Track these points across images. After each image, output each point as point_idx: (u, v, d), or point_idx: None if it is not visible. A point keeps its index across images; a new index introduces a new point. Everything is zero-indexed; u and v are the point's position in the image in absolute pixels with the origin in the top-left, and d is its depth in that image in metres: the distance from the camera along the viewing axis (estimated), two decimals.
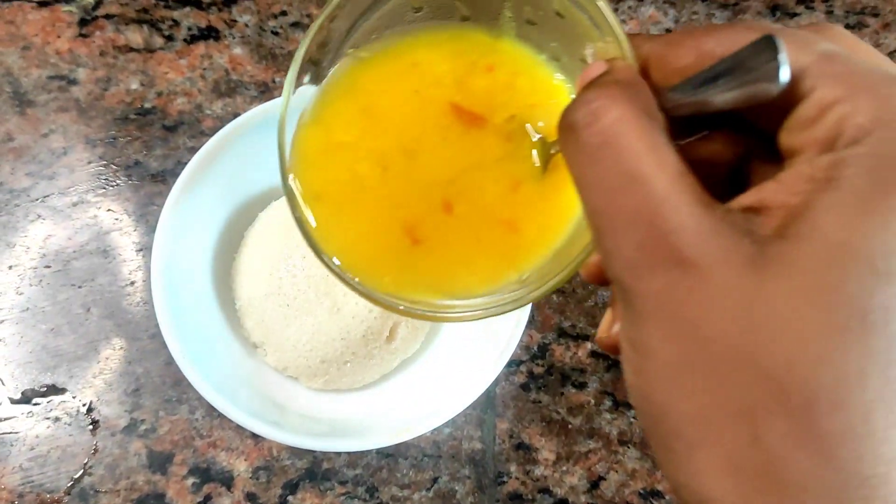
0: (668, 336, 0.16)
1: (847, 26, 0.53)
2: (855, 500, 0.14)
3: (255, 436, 0.44)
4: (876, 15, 0.54)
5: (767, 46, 0.17)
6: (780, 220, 0.16)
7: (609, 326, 0.24)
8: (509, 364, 0.44)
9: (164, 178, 0.48)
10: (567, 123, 0.18)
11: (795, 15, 0.54)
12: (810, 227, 0.15)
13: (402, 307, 0.25)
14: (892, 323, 0.14)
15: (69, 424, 0.43)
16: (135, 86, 0.50)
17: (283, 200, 0.43)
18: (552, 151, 0.25)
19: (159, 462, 0.43)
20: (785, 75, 0.16)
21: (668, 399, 0.16)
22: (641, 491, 0.44)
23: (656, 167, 0.17)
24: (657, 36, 0.20)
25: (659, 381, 0.17)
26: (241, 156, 0.42)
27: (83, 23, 0.51)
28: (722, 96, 0.18)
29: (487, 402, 0.45)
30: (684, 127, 0.21)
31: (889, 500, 0.14)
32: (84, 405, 0.44)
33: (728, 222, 0.16)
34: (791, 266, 0.15)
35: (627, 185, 0.17)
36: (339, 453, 0.44)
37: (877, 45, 0.53)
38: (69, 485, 0.42)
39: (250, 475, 0.43)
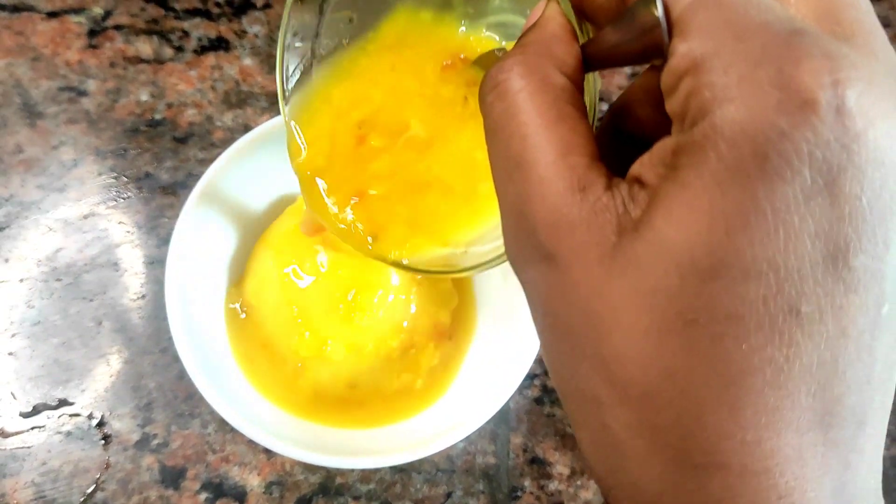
0: (541, 324, 0.18)
1: None
2: (689, 487, 0.15)
3: (267, 450, 0.43)
4: (888, 25, 0.54)
5: None
6: (644, 204, 0.15)
7: None
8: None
9: (174, 191, 0.48)
10: (481, 103, 0.18)
11: None
12: (649, 224, 0.15)
13: (405, 262, 0.25)
14: (715, 323, 0.14)
15: (81, 439, 0.43)
16: (145, 97, 0.49)
17: (295, 210, 0.43)
18: None
19: (172, 477, 0.43)
20: (649, 21, 0.15)
21: (555, 381, 0.18)
22: None
23: (539, 150, 0.17)
24: None
25: (547, 361, 0.18)
26: (254, 168, 0.41)
27: (93, 34, 0.50)
28: (628, 44, 0.17)
29: (501, 416, 0.45)
30: None
31: (724, 485, 0.15)
32: (96, 419, 0.44)
33: (598, 209, 0.16)
34: (629, 264, 0.15)
35: (513, 171, 0.17)
36: (352, 469, 0.43)
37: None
38: (82, 500, 0.42)
39: (263, 490, 0.43)
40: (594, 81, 0.21)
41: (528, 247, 0.17)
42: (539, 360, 0.46)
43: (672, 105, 0.15)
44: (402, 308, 0.42)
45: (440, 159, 0.26)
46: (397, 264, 0.27)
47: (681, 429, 0.15)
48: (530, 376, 0.46)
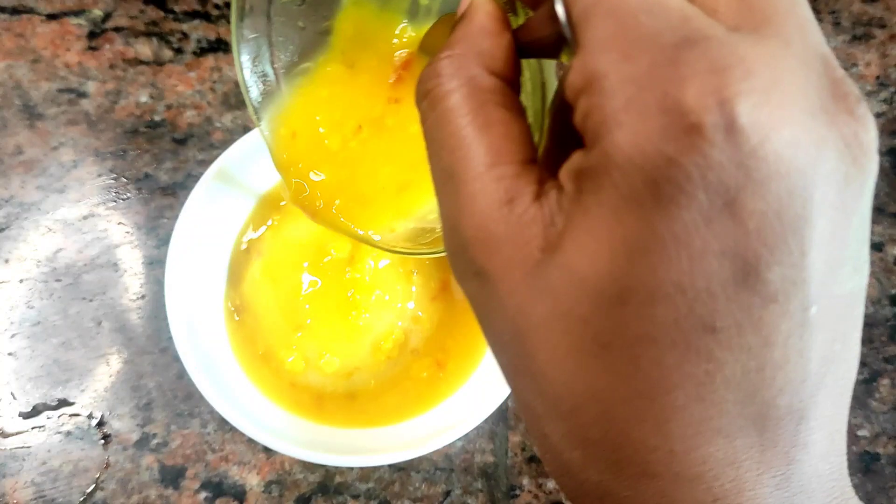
0: (484, 335, 0.18)
1: (853, 38, 0.54)
2: (626, 493, 0.16)
3: (267, 449, 0.43)
4: (883, 26, 0.54)
5: None
6: (566, 216, 0.15)
7: None
8: None
9: (173, 192, 0.48)
10: (418, 110, 0.18)
11: None
12: (562, 249, 0.15)
13: (377, 239, 0.26)
14: (629, 345, 0.15)
15: (81, 439, 0.43)
16: (144, 98, 0.50)
17: (297, 214, 0.43)
18: None
19: (171, 476, 0.43)
20: (555, 22, 0.15)
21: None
22: None
23: (467, 162, 0.16)
24: None
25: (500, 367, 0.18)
26: (253, 169, 0.42)
27: (92, 35, 0.51)
28: (547, 35, 0.17)
29: (499, 415, 0.45)
30: None
31: (658, 491, 0.15)
32: (95, 419, 0.44)
33: (524, 222, 0.16)
34: (547, 287, 0.15)
35: (444, 183, 0.17)
36: (351, 467, 0.44)
37: (883, 57, 0.53)
38: (81, 499, 0.42)
39: (263, 489, 0.43)
40: (544, 66, 0.20)
41: (461, 261, 0.17)
42: None
43: (575, 119, 0.15)
44: (397, 309, 0.42)
45: (394, 145, 0.27)
46: (362, 239, 0.27)
47: (610, 443, 0.16)
48: None
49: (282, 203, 0.43)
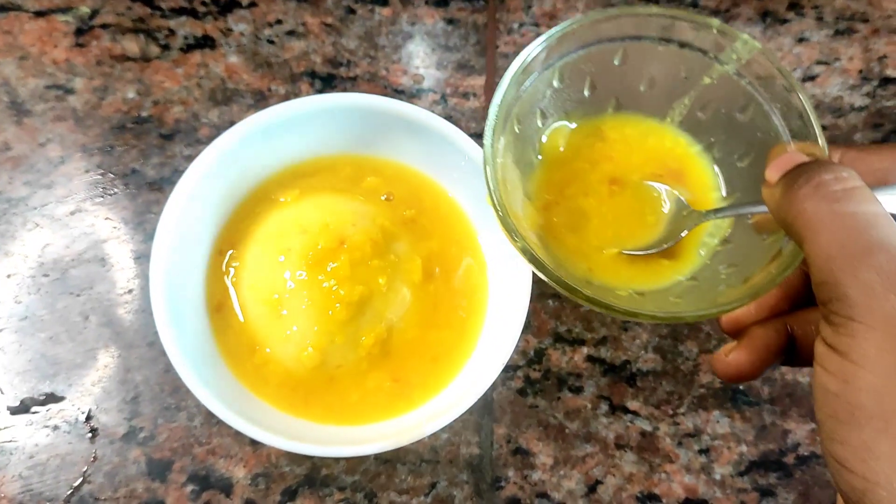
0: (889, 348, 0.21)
1: (836, 32, 0.54)
2: None
3: (253, 443, 0.44)
4: (865, 21, 0.54)
5: None
6: None
7: (728, 352, 0.30)
8: (506, 369, 0.44)
9: (160, 187, 0.48)
10: (811, 178, 0.24)
11: (786, 21, 0.54)
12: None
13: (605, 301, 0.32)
14: None
15: (68, 433, 0.44)
16: (131, 95, 0.50)
17: (280, 209, 0.43)
18: (687, 226, 0.35)
19: (158, 469, 0.43)
20: None
21: (875, 402, 0.21)
22: (639, 494, 0.44)
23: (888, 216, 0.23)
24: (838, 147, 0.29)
25: (868, 387, 0.21)
26: (238, 164, 0.42)
27: (79, 32, 0.51)
28: None
29: (485, 407, 0.45)
30: None
31: None
32: (83, 413, 0.44)
33: None
34: None
35: (873, 220, 0.22)
36: (337, 459, 0.44)
37: (866, 52, 0.54)
38: (69, 493, 0.42)
39: (249, 482, 0.43)
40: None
41: (894, 277, 0.21)
42: (522, 352, 0.46)
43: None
44: (381, 304, 0.42)
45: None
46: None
47: None
48: (514, 368, 0.46)
49: (281, 200, 0.43)
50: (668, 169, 0.38)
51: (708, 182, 0.38)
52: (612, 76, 0.38)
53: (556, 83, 0.37)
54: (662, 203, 0.37)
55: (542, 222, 0.37)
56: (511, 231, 0.31)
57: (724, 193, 0.38)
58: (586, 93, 0.38)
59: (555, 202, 0.37)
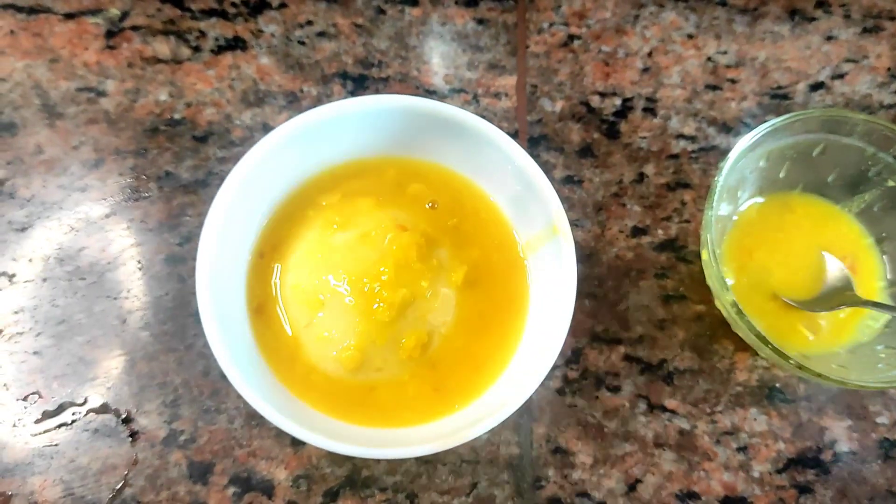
0: None
1: (864, 30, 0.54)
2: None
3: (294, 444, 0.44)
4: (892, 18, 0.55)
5: None
6: None
7: None
8: None
9: (195, 189, 0.48)
10: None
11: (814, 19, 0.54)
12: None
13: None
14: None
15: (108, 436, 0.43)
16: (163, 97, 0.50)
17: (322, 212, 0.43)
18: (846, 306, 0.43)
19: (200, 472, 0.43)
20: None
21: None
22: (678, 493, 0.44)
23: None
24: None
25: None
26: (280, 167, 0.42)
27: (110, 34, 0.51)
28: None
29: (524, 407, 0.45)
30: None
31: None
32: (122, 416, 0.44)
33: None
34: None
35: None
36: (378, 460, 0.44)
37: (893, 49, 0.54)
38: (110, 496, 0.42)
39: (291, 483, 0.43)
40: None
41: None
42: (560, 352, 0.46)
43: None
44: (422, 307, 0.42)
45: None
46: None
47: None
48: (552, 367, 0.46)
49: (323, 203, 0.43)
50: (842, 251, 0.45)
51: (874, 271, 0.45)
52: (808, 164, 0.45)
53: (762, 163, 0.44)
54: (830, 273, 0.45)
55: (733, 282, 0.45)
56: (738, 314, 0.39)
57: (887, 283, 0.45)
58: (782, 174, 0.46)
59: (744, 264, 0.45)
